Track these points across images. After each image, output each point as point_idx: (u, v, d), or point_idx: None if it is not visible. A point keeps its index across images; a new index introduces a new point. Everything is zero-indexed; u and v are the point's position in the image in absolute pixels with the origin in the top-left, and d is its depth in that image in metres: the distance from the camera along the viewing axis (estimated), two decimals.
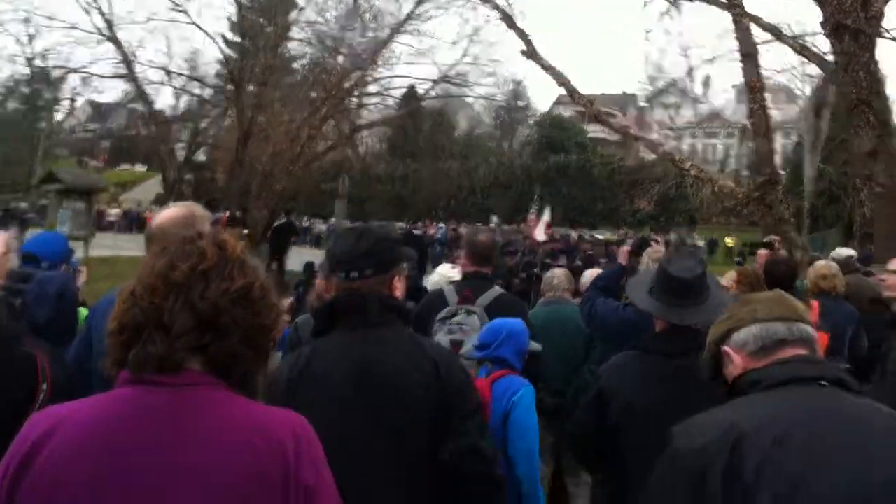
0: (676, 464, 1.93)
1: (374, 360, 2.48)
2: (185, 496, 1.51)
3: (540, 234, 23.46)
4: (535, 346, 4.11)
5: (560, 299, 5.94)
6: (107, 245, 24.52)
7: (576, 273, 19.66)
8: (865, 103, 8.03)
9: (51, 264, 4.36)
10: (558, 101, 63.04)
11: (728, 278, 10.15)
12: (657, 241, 5.76)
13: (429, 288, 5.95)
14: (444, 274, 5.93)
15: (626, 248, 5.59)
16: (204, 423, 1.57)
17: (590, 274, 7.61)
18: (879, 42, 8.97)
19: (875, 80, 8.17)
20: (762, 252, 6.94)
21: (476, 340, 3.95)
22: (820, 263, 6.77)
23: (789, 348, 2.11)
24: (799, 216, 22.12)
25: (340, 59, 24.93)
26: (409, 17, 23.05)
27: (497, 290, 4.70)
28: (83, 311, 4.01)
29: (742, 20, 11.04)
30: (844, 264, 7.23)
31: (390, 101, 28.47)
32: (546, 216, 25.25)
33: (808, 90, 41.81)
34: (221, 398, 1.61)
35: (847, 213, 39.39)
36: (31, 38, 45.54)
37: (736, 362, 2.18)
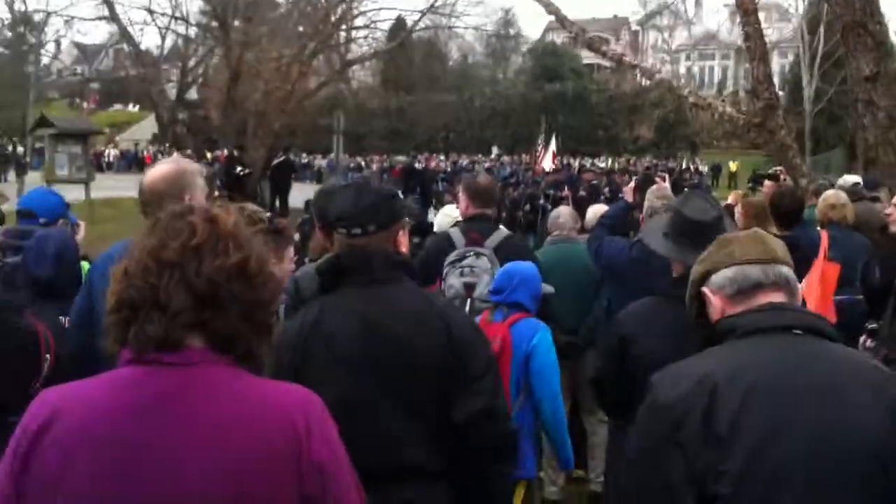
0: (655, 415, 1.94)
1: (383, 319, 2.45)
2: (192, 476, 1.50)
3: (547, 163, 23.39)
4: (548, 288, 4.14)
5: (567, 238, 5.89)
6: (108, 186, 24.45)
7: (579, 203, 19.77)
8: (861, 25, 7.81)
9: (48, 220, 4.27)
10: (549, 28, 62.14)
11: (732, 198, 10.10)
12: (661, 178, 5.70)
13: (434, 230, 5.90)
14: (450, 214, 5.87)
15: (631, 185, 5.55)
16: (209, 401, 1.55)
17: (594, 210, 7.56)
18: None
19: (869, 1, 7.95)
20: (768, 184, 6.86)
21: (490, 285, 3.94)
22: (828, 193, 6.68)
23: (766, 292, 2.09)
24: (800, 138, 22.00)
25: None
26: None
27: (503, 231, 4.71)
28: (85, 266, 3.96)
29: None
30: (852, 192, 7.13)
31: (379, 34, 28.05)
32: (553, 146, 25.18)
33: (801, 7, 41.52)
34: (226, 375, 1.58)
35: (849, 135, 39.25)
36: None
37: (715, 304, 2.17)
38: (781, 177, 6.75)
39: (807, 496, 1.75)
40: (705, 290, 2.21)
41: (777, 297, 2.09)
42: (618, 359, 3.22)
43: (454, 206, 5.84)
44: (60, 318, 3.52)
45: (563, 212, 6.16)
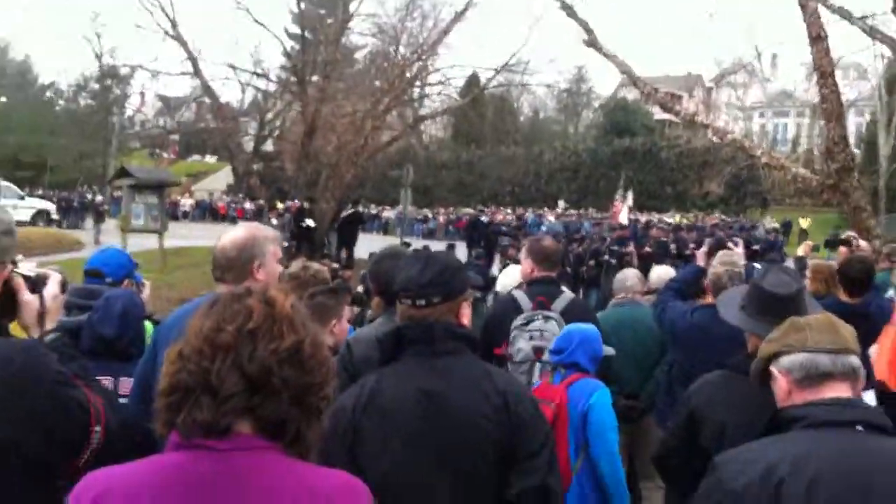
0: (720, 499, 2.05)
1: (442, 393, 2.43)
2: None
3: (624, 218, 23.50)
4: (609, 350, 4.14)
5: (632, 300, 5.88)
6: (181, 235, 25.14)
7: (645, 260, 19.44)
8: None
9: (114, 280, 4.37)
10: (622, 84, 62.25)
11: (802, 249, 9.88)
12: (734, 244, 5.66)
13: (498, 290, 5.94)
14: (514, 275, 5.89)
15: (703, 250, 5.52)
16: (255, 490, 1.55)
17: (658, 272, 7.52)
18: None
19: None
20: (843, 250, 6.75)
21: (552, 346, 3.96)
22: None
23: (833, 384, 2.20)
24: (875, 197, 21.53)
25: (401, 49, 25.03)
26: (468, 5, 22.95)
27: (568, 294, 4.70)
28: (149, 327, 4.07)
29: (809, 3, 10.73)
30: None
31: (452, 90, 28.44)
32: (630, 200, 25.54)
33: (879, 66, 40.82)
34: (273, 461, 1.58)
35: None
36: (98, 35, 46.88)
37: (781, 385, 2.29)
38: (854, 242, 6.63)
39: None
40: (773, 369, 2.30)
41: (843, 389, 2.19)
42: (685, 434, 3.17)
43: (518, 267, 5.87)
44: (122, 378, 3.60)
45: (630, 274, 6.15)
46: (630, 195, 26.30)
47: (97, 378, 3.14)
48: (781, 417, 2.22)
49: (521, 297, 4.55)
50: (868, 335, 5.49)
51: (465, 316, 2.65)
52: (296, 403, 1.58)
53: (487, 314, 4.69)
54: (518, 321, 4.14)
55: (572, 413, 3.85)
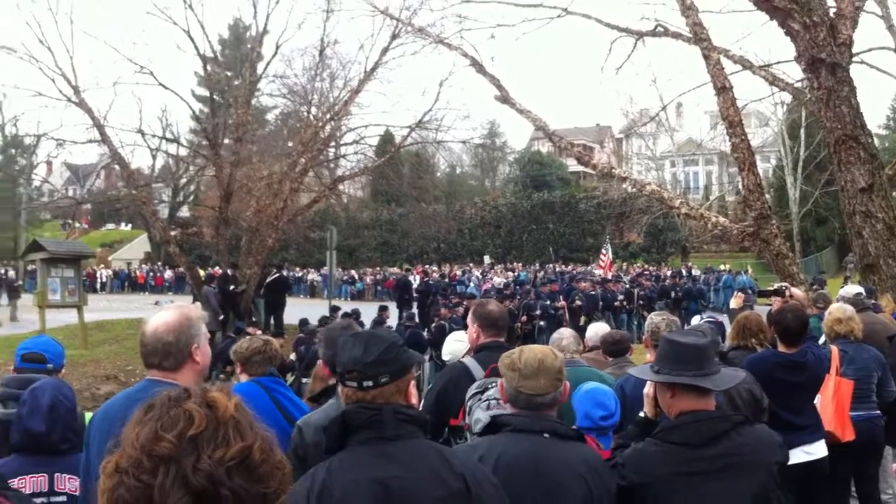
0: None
1: (397, 481, 2.30)
2: None
3: (608, 273, 26.82)
4: None
5: (571, 361, 5.76)
6: (101, 308, 24.42)
7: (574, 313, 19.49)
8: (853, 139, 7.91)
9: (55, 367, 4.32)
10: (535, 137, 63.45)
11: (734, 301, 10.00)
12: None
13: (446, 358, 5.76)
14: (462, 340, 5.71)
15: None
16: None
17: (595, 329, 7.47)
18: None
19: (858, 114, 8.08)
20: (776, 300, 6.80)
21: None
22: (834, 307, 6.64)
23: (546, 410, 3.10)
24: (789, 241, 22.21)
25: (313, 109, 24.97)
26: (376, 65, 23.02)
27: None
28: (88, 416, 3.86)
29: (711, 54, 11.01)
30: (856, 302, 7.10)
31: (368, 150, 28.44)
32: (609, 253, 28.95)
33: (780, 113, 42.55)
34: None
35: (837, 235, 39.63)
36: None
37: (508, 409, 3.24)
38: (786, 292, 6.68)
39: None
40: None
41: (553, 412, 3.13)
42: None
43: (463, 332, 5.72)
44: (57, 473, 3.46)
45: (566, 334, 6.05)
46: (608, 249, 29.81)
47: (11, 486, 2.94)
48: (497, 422, 3.10)
49: (473, 364, 4.46)
50: (809, 383, 5.52)
51: (413, 395, 2.55)
52: None
53: (439, 385, 4.52)
54: (472, 390, 4.01)
55: None
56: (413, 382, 2.58)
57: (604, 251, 30.22)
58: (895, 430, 6.04)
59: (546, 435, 2.96)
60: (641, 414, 3.65)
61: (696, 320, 7.36)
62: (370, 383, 2.43)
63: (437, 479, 2.32)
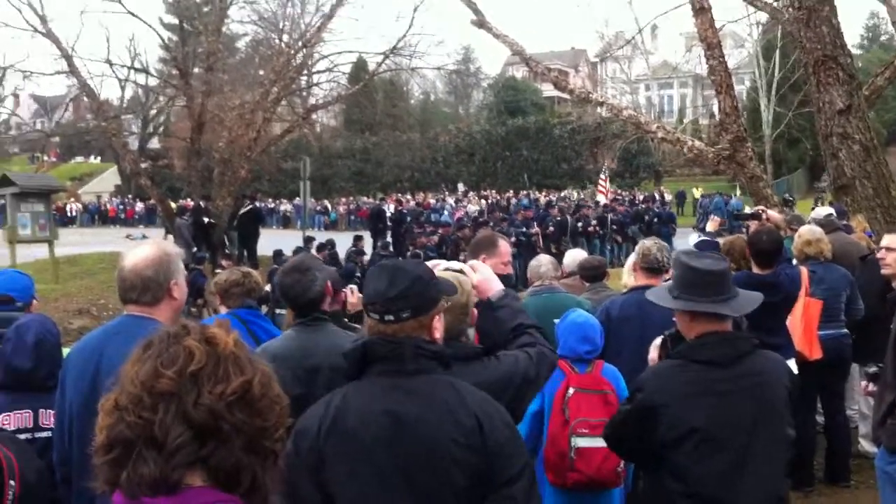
0: None
1: (409, 415, 2.30)
2: None
3: (603, 197, 28.63)
4: None
5: (549, 287, 5.80)
6: (72, 242, 24.18)
7: (548, 237, 19.55)
8: (832, 59, 7.86)
9: (24, 304, 4.31)
10: (509, 63, 62.80)
11: (711, 225, 10.06)
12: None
13: None
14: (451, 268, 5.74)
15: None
16: None
17: (572, 256, 7.52)
18: None
19: (838, 34, 8.02)
20: (752, 224, 6.87)
21: None
22: (803, 228, 6.72)
23: None
24: (761, 163, 22.29)
25: (284, 36, 24.50)
26: None
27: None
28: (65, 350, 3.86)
29: None
30: (826, 224, 7.18)
31: (341, 78, 28.03)
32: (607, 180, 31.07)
33: (755, 34, 42.29)
34: None
35: (809, 157, 39.86)
36: None
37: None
38: (763, 215, 6.73)
39: None
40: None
41: None
42: (637, 426, 3.19)
43: (445, 261, 5.74)
44: (41, 409, 3.47)
45: (544, 261, 6.05)
46: (607, 173, 31.80)
47: (3, 428, 2.97)
48: None
49: None
50: (782, 304, 5.62)
51: (438, 330, 2.49)
52: (249, 449, 1.45)
53: None
54: None
55: (621, 395, 4.26)
56: (439, 316, 2.51)
57: (602, 177, 31.29)
58: (862, 347, 6.17)
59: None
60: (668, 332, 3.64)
61: (693, 239, 7.42)
62: (391, 318, 2.40)
63: (450, 416, 2.30)
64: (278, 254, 16.05)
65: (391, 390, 2.35)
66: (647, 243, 5.29)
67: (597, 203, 27.97)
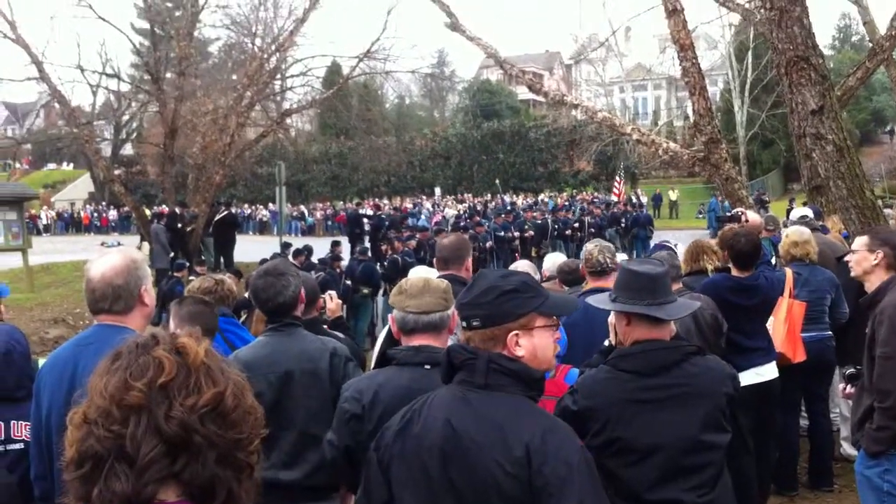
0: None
1: (464, 430, 2.24)
2: None
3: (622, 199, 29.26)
4: None
5: None
6: (46, 250, 23.95)
7: (526, 242, 19.52)
8: (804, 59, 7.89)
9: None
10: (483, 66, 62.89)
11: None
12: None
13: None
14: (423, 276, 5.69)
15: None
16: None
17: (552, 259, 7.48)
18: None
19: (810, 34, 8.06)
20: (732, 227, 6.86)
21: None
22: (790, 229, 6.74)
23: (418, 335, 3.12)
24: (735, 164, 22.44)
25: (257, 40, 24.41)
26: None
27: None
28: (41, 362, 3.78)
29: None
30: (804, 225, 7.20)
31: (315, 82, 27.95)
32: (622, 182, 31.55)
33: (727, 35, 42.63)
34: None
35: (783, 158, 40.17)
36: None
37: (394, 332, 3.26)
38: (742, 218, 6.73)
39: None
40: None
41: (425, 339, 3.10)
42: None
43: (425, 267, 5.72)
44: (13, 421, 3.42)
45: (522, 265, 6.03)
46: (622, 175, 32.37)
47: None
48: (387, 355, 3.17)
49: None
50: (761, 306, 5.61)
51: (522, 348, 2.34)
52: (223, 463, 1.40)
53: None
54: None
55: None
56: (523, 332, 2.35)
57: (618, 178, 31.99)
58: (845, 350, 6.18)
59: (427, 366, 2.97)
60: (606, 343, 3.66)
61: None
62: (464, 324, 2.38)
63: (501, 440, 2.19)
64: (264, 262, 15.87)
65: (459, 401, 2.31)
66: (589, 247, 5.34)
67: (607, 204, 28.52)
